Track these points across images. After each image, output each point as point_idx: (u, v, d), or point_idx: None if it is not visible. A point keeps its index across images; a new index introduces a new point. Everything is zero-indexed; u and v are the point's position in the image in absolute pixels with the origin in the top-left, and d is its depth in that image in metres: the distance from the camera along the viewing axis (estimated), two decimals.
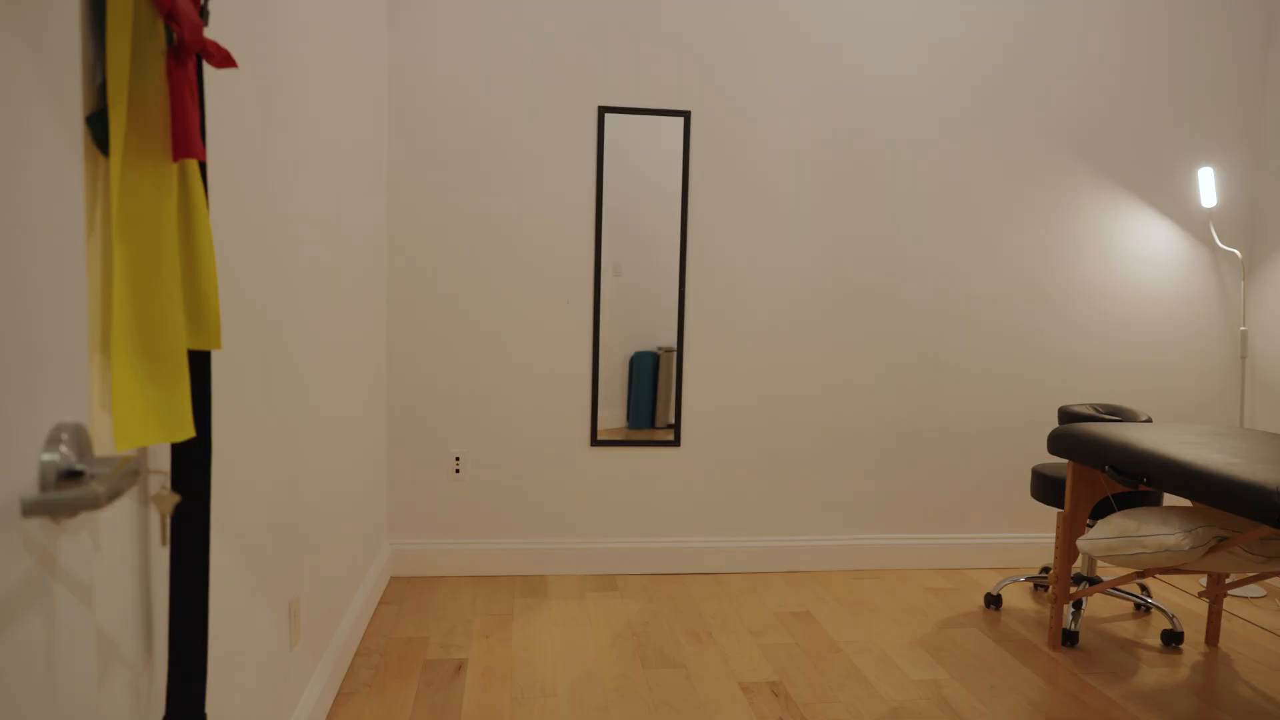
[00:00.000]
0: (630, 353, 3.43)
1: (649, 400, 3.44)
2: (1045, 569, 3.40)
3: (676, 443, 3.46)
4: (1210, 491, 2.14)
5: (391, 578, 3.32)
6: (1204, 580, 3.56)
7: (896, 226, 3.52)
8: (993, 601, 3.20)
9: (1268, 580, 3.56)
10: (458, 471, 3.35)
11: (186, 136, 1.12)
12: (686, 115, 3.35)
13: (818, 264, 3.49)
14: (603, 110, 3.31)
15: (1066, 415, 3.13)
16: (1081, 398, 3.68)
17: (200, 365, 1.26)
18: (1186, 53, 3.62)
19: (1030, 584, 3.47)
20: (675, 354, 3.43)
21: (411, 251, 3.27)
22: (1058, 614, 2.84)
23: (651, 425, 3.46)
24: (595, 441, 3.41)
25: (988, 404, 3.63)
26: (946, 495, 3.64)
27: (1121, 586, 3.30)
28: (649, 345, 3.44)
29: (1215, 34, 3.63)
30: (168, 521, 1.21)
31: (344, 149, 2.47)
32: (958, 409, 3.61)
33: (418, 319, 3.29)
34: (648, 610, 3.08)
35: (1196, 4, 3.60)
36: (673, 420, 3.45)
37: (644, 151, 3.35)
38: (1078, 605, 2.92)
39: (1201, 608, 3.25)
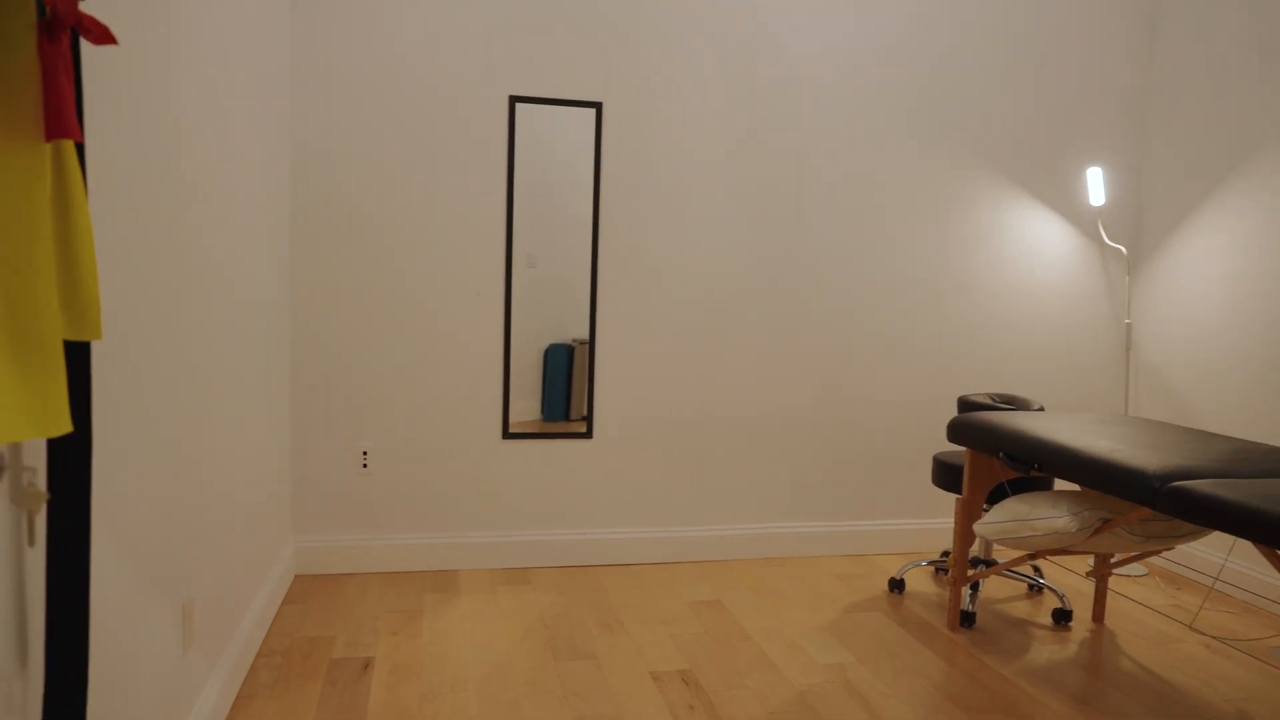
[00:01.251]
0: (545, 345, 3.41)
1: (564, 392, 3.43)
2: (946, 553, 3.52)
3: (589, 435, 3.46)
4: (1095, 476, 2.25)
5: (296, 576, 3.23)
6: (1091, 560, 3.74)
7: (805, 220, 3.59)
8: (896, 586, 3.30)
9: (1149, 559, 3.77)
10: (365, 466, 3.27)
11: (60, 116, 1.05)
12: (598, 107, 3.34)
13: (729, 257, 3.53)
14: (514, 100, 3.27)
15: (965, 404, 3.25)
16: (980, 388, 3.82)
17: (79, 357, 1.20)
18: (1077, 57, 3.78)
19: (932, 568, 3.59)
20: (588, 346, 3.42)
21: (317, 242, 3.17)
22: (956, 596, 2.95)
23: (566, 417, 3.45)
24: (507, 434, 3.38)
25: (892, 395, 3.73)
26: (854, 484, 3.73)
27: (1016, 568, 3.45)
28: (564, 337, 3.42)
29: (1103, 40, 3.80)
30: (34, 521, 1.14)
31: (240, 135, 2.38)
32: (864, 400, 3.71)
33: (324, 311, 3.20)
34: (560, 602, 3.07)
35: (1086, 11, 3.77)
36: (586, 413, 3.45)
37: (558, 142, 3.33)
38: (975, 587, 3.04)
39: (1089, 587, 3.42)
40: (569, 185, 3.35)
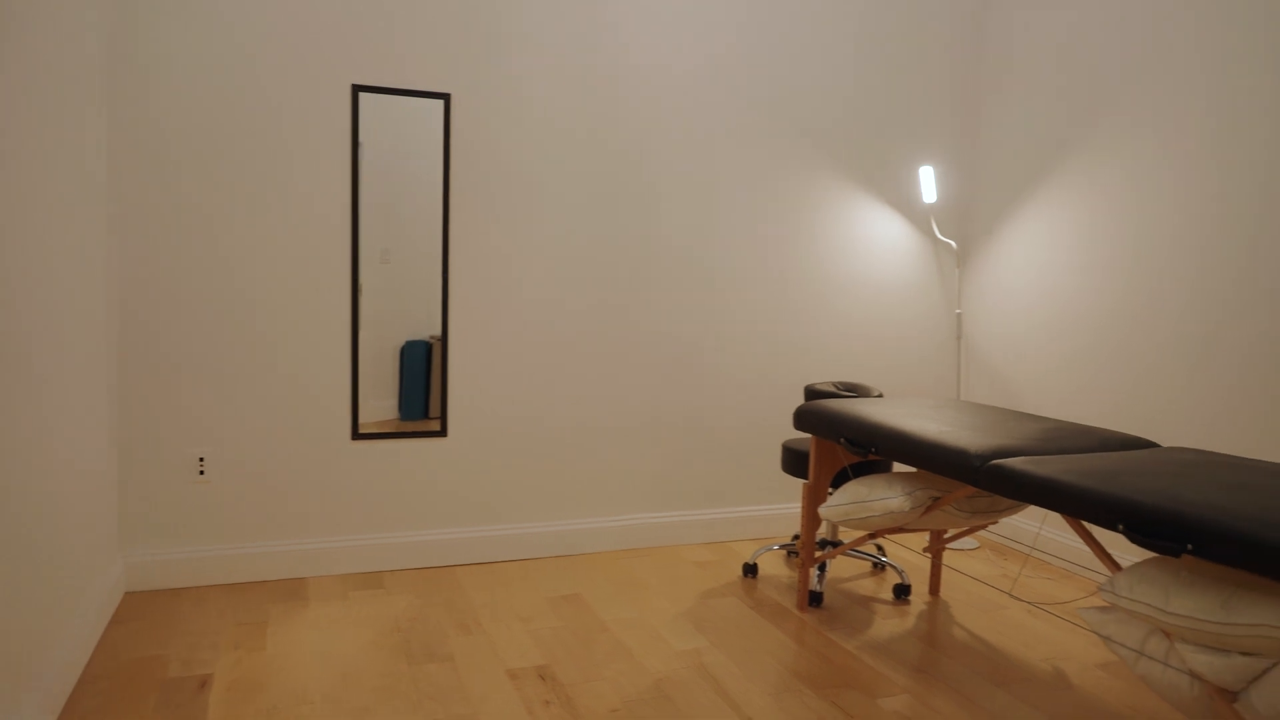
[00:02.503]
0: (401, 341, 3.32)
1: (422, 390, 3.35)
2: (797, 537, 3.66)
3: (443, 433, 3.39)
4: (925, 457, 2.39)
5: (126, 593, 3.02)
6: (928, 537, 3.97)
7: (655, 214, 3.64)
8: (750, 570, 3.40)
9: (978, 533, 4.04)
10: (202, 473, 3.10)
11: None
12: (446, 98, 3.28)
13: (582, 251, 3.54)
14: (357, 89, 3.16)
15: (811, 393, 3.38)
16: (826, 377, 3.99)
17: None
18: (910, 59, 3.99)
19: (784, 551, 3.72)
20: (441, 343, 3.35)
21: (145, 237, 2.97)
22: (804, 577, 3.07)
23: (426, 415, 3.37)
24: (356, 435, 3.27)
25: (743, 385, 3.84)
26: (709, 473, 3.82)
27: (860, 548, 3.62)
28: (421, 334, 3.34)
29: (935, 44, 4.03)
30: None
31: (44, 127, 2.19)
32: (716, 391, 3.80)
33: (153, 311, 3.00)
34: (415, 605, 3.00)
35: (917, 14, 3.98)
36: (440, 411, 3.38)
37: (408, 133, 3.24)
38: (822, 568, 3.17)
39: (927, 562, 3.63)
40: (421, 178, 3.27)
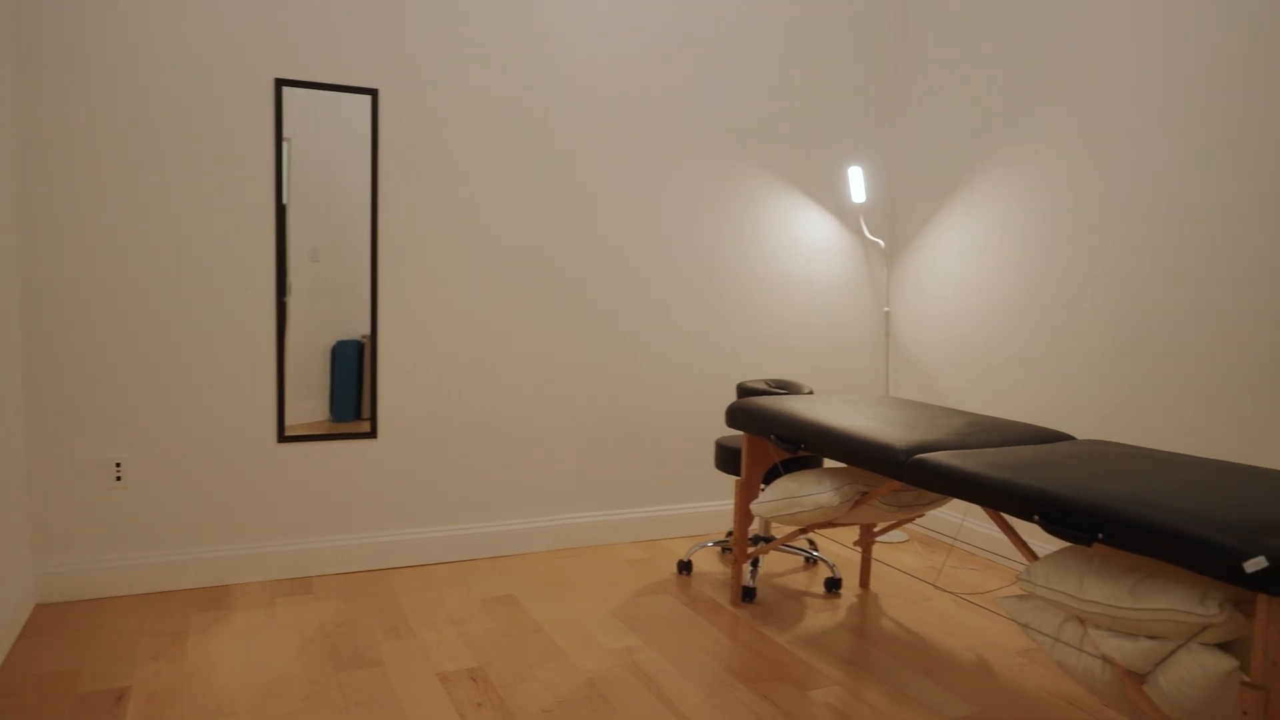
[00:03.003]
0: (333, 341, 3.25)
1: (354, 391, 3.29)
2: (730, 533, 3.69)
3: (373, 434, 3.33)
4: (852, 453, 2.43)
5: (37, 605, 2.90)
6: (858, 531, 4.04)
7: (587, 212, 3.63)
8: (684, 567, 3.42)
9: (907, 526, 4.13)
10: (119, 479, 2.99)
11: None
12: (374, 93, 3.22)
13: (512, 249, 3.51)
14: (280, 83, 3.09)
15: (743, 391, 3.41)
16: (758, 374, 4.03)
17: None
18: (838, 60, 4.06)
19: (718, 548, 3.75)
20: (371, 343, 3.30)
21: (55, 235, 2.85)
22: (738, 573, 3.09)
23: (358, 416, 3.30)
24: (283, 437, 3.19)
25: (676, 383, 3.86)
26: (643, 471, 3.83)
27: (793, 543, 3.67)
28: (353, 333, 3.28)
29: (860, 47, 4.10)
30: None
31: None
32: (650, 389, 3.81)
33: (65, 311, 2.89)
34: (344, 610, 2.95)
35: (846, 17, 4.05)
36: (369, 412, 3.32)
37: (337, 129, 3.17)
38: (755, 564, 3.20)
39: (857, 556, 3.70)
40: (351, 176, 3.21)
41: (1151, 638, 1.72)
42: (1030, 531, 3.45)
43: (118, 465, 2.98)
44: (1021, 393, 3.56)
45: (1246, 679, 1.58)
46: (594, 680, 2.48)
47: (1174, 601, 1.65)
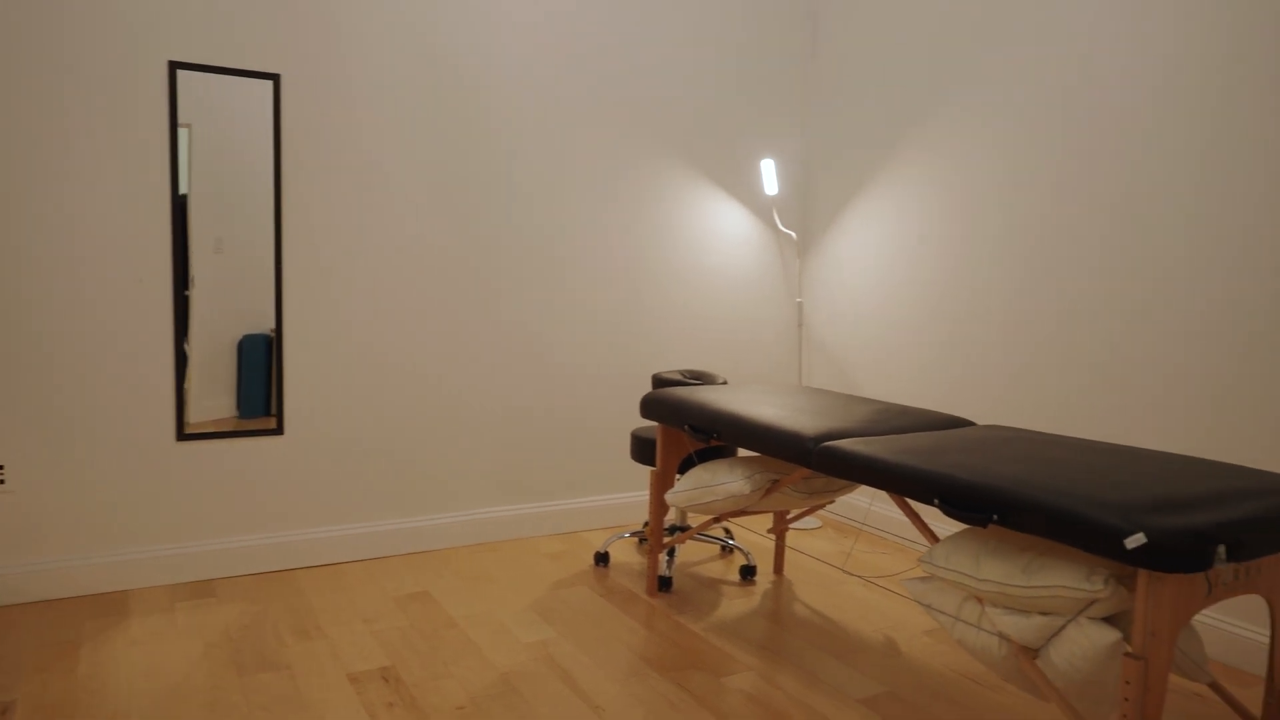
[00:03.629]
0: (240, 335, 3.14)
1: (263, 387, 3.18)
2: (647, 523, 3.70)
3: (280, 431, 3.23)
4: (763, 441, 2.47)
5: None
6: (773, 518, 4.11)
7: (503, 204, 3.59)
8: (601, 559, 3.42)
9: (820, 512, 4.22)
10: (2, 482, 2.83)
11: None
12: (276, 79, 3.11)
13: (428, 241, 3.45)
14: (174, 65, 2.96)
15: (658, 381, 3.43)
16: (674, 365, 4.05)
17: None
18: (750, 52, 4.10)
19: (635, 539, 3.76)
20: (276, 337, 3.19)
21: None
22: (653, 563, 3.11)
23: (268, 413, 3.20)
24: (182, 435, 3.07)
25: (593, 375, 3.85)
26: (561, 463, 3.81)
27: (709, 532, 3.71)
28: (262, 327, 3.17)
29: (773, 39, 4.15)
30: None
31: None
32: (566, 381, 3.79)
33: None
34: (250, 612, 2.86)
35: (757, 10, 4.09)
36: (276, 408, 3.22)
37: (241, 116, 3.05)
38: (671, 553, 3.23)
39: (772, 543, 3.76)
40: (255, 164, 3.10)
41: (1043, 614, 1.79)
42: (934, 515, 3.56)
43: (0, 469, 2.83)
44: (927, 380, 3.67)
45: (1129, 650, 1.66)
46: (508, 675, 2.46)
47: (1063, 578, 1.72)
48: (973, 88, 3.43)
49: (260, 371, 3.18)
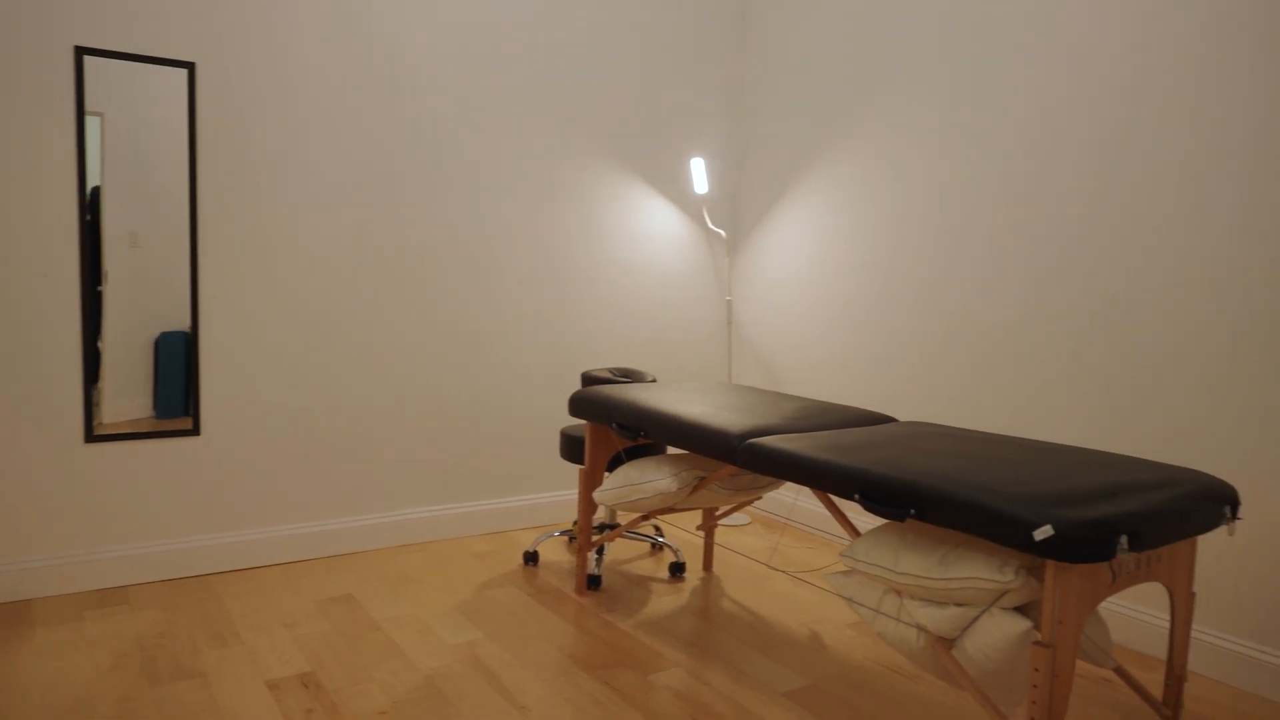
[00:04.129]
0: (157, 333, 3.02)
1: (182, 386, 3.07)
2: (577, 522, 3.69)
3: (196, 432, 3.13)
4: (689, 439, 2.48)
5: None
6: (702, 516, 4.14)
7: (431, 200, 3.54)
8: (531, 558, 3.40)
9: (749, 508, 4.26)
10: None
11: None
12: (191, 67, 3.01)
13: (352, 236, 3.38)
14: (81, 51, 2.84)
15: (587, 379, 3.42)
16: (604, 363, 4.05)
17: None
18: (681, 52, 4.12)
19: (565, 538, 3.75)
20: (192, 334, 3.09)
21: None
22: (582, 562, 3.10)
23: (187, 413, 3.09)
24: (91, 437, 2.95)
25: (523, 373, 3.82)
26: (490, 462, 3.78)
27: (639, 530, 3.71)
28: (179, 324, 3.06)
29: (702, 38, 4.17)
30: None
31: None
32: (496, 379, 3.76)
33: None
34: (164, 620, 2.76)
35: (687, 8, 4.11)
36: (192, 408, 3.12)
37: (159, 105, 2.94)
38: (600, 551, 3.22)
39: (701, 540, 3.78)
40: (173, 156, 2.99)
41: (959, 605, 1.84)
42: (857, 510, 3.63)
43: None
44: (853, 378, 3.74)
45: (1038, 638, 1.71)
46: (433, 678, 2.43)
47: (977, 570, 1.77)
48: (899, 86, 3.50)
49: (179, 370, 3.07)
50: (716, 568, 3.43)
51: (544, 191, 3.80)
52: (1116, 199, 2.76)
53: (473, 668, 2.50)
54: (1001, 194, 3.11)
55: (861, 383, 3.70)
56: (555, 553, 3.55)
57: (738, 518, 4.11)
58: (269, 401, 3.26)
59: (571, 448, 3.30)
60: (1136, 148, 2.70)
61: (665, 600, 3.07)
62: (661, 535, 3.66)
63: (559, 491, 3.98)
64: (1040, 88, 2.97)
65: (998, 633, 1.76)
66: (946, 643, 1.89)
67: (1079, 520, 1.61)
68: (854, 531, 2.23)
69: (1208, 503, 1.87)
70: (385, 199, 3.43)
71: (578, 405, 2.96)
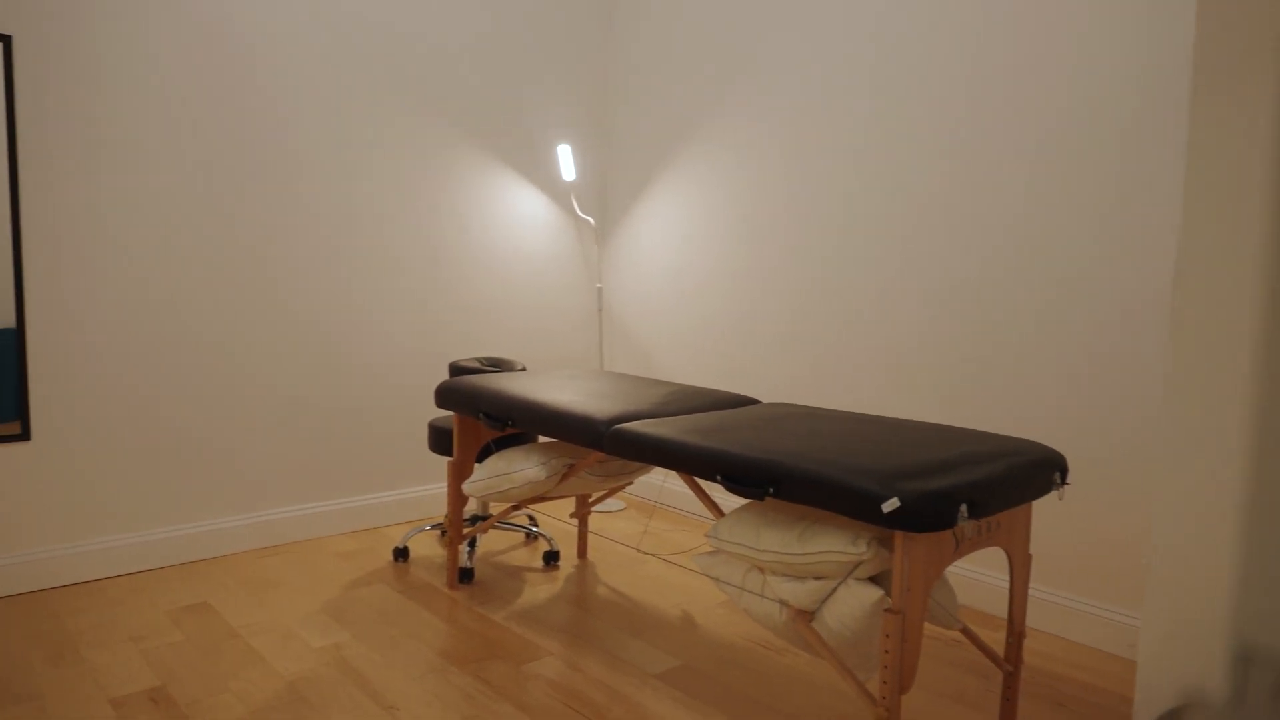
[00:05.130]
0: None
1: (12, 387, 2.82)
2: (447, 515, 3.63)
3: (26, 437, 2.90)
4: (556, 427, 2.47)
5: None
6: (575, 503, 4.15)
7: (288, 189, 3.38)
8: (401, 554, 3.32)
9: (623, 493, 4.29)
10: None
11: None
12: (7, 40, 2.77)
13: (200, 226, 3.19)
14: None
15: (455, 370, 3.36)
16: (474, 353, 3.99)
17: None
18: (547, 39, 4.08)
19: (437, 531, 3.67)
20: (19, 330, 2.85)
21: None
22: (454, 555, 3.05)
23: (17, 416, 2.85)
24: None
25: (390, 365, 3.72)
26: (356, 458, 3.66)
27: (512, 520, 3.68)
28: (8, 322, 2.81)
29: (569, 25, 4.15)
30: None
31: None
32: (361, 373, 3.64)
33: None
34: None
35: None
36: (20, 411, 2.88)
37: None
38: (472, 544, 3.18)
39: (575, 527, 3.78)
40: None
41: (817, 578, 1.90)
42: (721, 491, 3.71)
43: None
44: (720, 363, 3.81)
45: (890, 605, 1.80)
46: (295, 683, 2.34)
47: (832, 544, 1.84)
48: (760, 76, 3.58)
49: (8, 371, 2.83)
50: (591, 554, 3.44)
51: (409, 179, 3.69)
52: (964, 187, 2.91)
53: (339, 670, 2.42)
54: (854, 181, 3.23)
55: (730, 366, 3.78)
56: (426, 548, 3.47)
57: (612, 503, 4.13)
58: (108, 401, 3.05)
59: (440, 440, 3.24)
60: (983, 138, 2.85)
61: (539, 590, 3.06)
62: (536, 525, 3.64)
63: (429, 485, 3.90)
64: (890, 77, 3.09)
65: (854, 602, 1.84)
66: (807, 615, 1.95)
67: (922, 492, 1.69)
68: (719, 512, 2.28)
69: (1040, 470, 2.00)
70: (235, 187, 3.26)
71: (444, 396, 2.90)
